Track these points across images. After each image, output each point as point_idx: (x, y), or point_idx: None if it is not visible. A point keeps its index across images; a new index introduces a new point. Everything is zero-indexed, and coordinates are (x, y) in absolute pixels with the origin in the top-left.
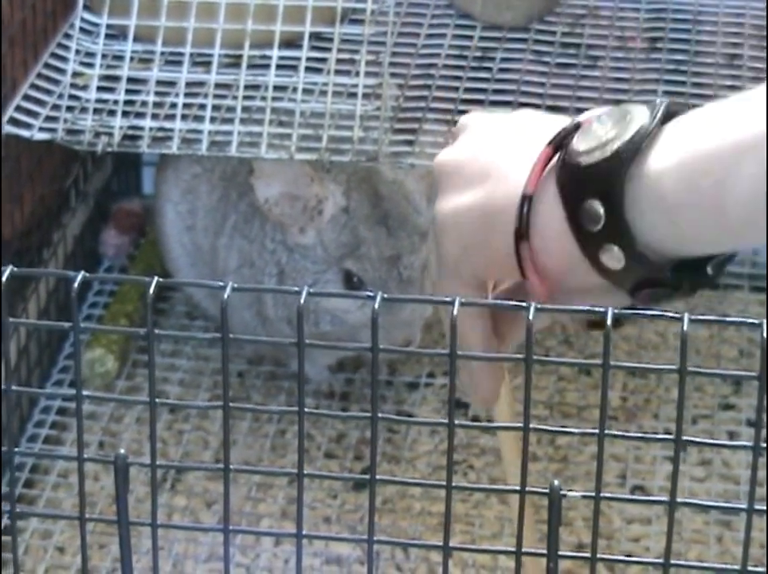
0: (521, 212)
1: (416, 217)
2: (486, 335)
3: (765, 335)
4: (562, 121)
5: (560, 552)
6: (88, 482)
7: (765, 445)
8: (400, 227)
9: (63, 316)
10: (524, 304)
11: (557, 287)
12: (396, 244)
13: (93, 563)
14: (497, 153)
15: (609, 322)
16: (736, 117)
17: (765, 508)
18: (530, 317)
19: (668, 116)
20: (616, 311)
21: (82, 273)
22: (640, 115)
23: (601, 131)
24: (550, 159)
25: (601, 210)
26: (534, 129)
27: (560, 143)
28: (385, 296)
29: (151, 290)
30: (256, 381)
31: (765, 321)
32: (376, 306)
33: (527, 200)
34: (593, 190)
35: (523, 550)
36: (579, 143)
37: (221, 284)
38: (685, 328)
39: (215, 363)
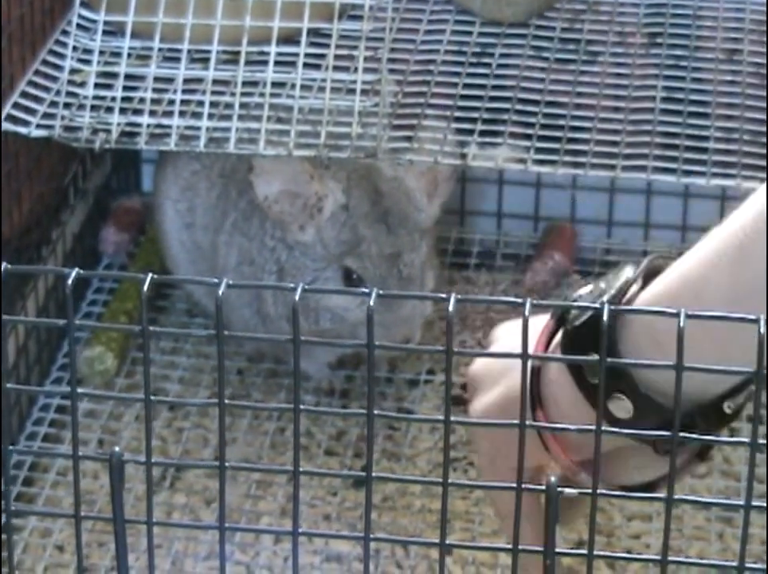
0: (531, 384)
1: (416, 214)
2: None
3: (762, 331)
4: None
5: (557, 549)
6: (87, 481)
7: (762, 441)
8: (400, 225)
9: (62, 313)
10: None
11: (584, 454)
12: (396, 241)
13: (92, 561)
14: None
15: (605, 318)
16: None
17: (764, 505)
18: (527, 313)
19: (654, 269)
20: (612, 308)
21: (76, 270)
22: (625, 271)
23: (600, 283)
24: (553, 333)
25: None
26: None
27: (562, 315)
28: (381, 292)
29: (145, 287)
30: (257, 379)
31: (763, 317)
32: (371, 303)
33: (534, 372)
34: (590, 343)
35: (520, 547)
36: (574, 312)
37: (217, 280)
38: (682, 324)
39: (215, 360)
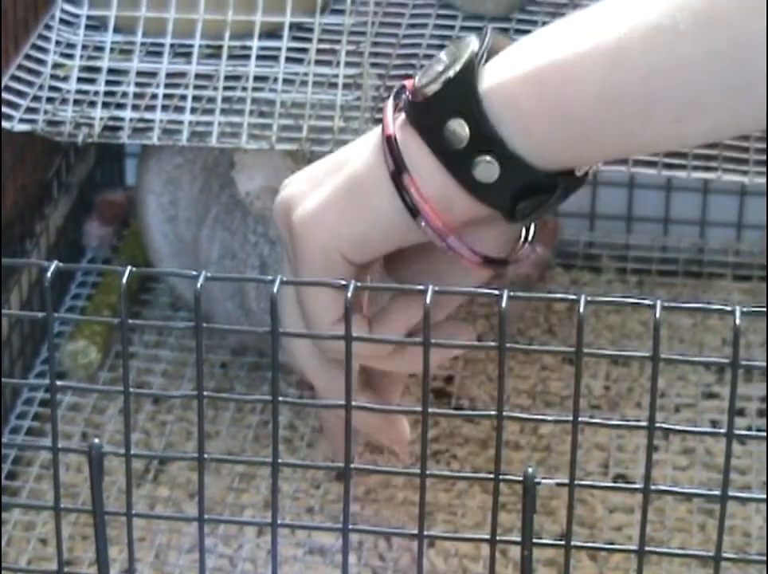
0: (392, 151)
1: None
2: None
3: (737, 322)
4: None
5: (535, 540)
6: (70, 473)
7: (740, 432)
8: None
9: (45, 307)
10: (495, 291)
11: (451, 225)
12: None
13: (76, 554)
14: (337, 154)
15: (581, 309)
16: (578, 28)
17: (740, 495)
18: (504, 304)
19: (496, 46)
20: (589, 298)
21: (55, 262)
22: (470, 44)
23: (437, 66)
24: (394, 110)
25: (465, 125)
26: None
27: (398, 92)
28: (355, 283)
29: (125, 279)
30: (240, 372)
31: (738, 308)
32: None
33: (393, 139)
34: (450, 110)
35: (498, 538)
36: (420, 80)
37: (195, 273)
38: (657, 314)
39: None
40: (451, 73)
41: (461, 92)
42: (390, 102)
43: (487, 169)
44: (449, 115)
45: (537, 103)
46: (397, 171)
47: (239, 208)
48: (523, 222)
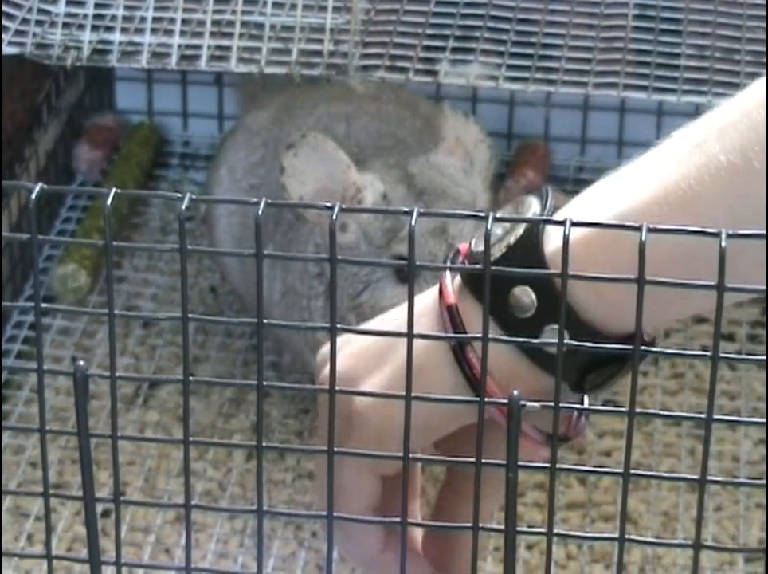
0: (453, 322)
1: (454, 189)
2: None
3: (723, 244)
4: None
5: (519, 463)
6: (60, 397)
7: (724, 355)
8: (438, 200)
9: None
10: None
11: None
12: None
13: (65, 478)
14: (391, 321)
15: (567, 232)
16: (642, 177)
17: (726, 418)
18: (489, 226)
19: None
20: (575, 221)
21: (40, 184)
22: (531, 205)
23: (497, 230)
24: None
25: (531, 293)
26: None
27: (453, 259)
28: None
29: (109, 201)
30: (229, 297)
31: (723, 231)
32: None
33: (454, 308)
34: (515, 278)
35: (483, 460)
36: (477, 246)
37: (179, 195)
38: (643, 237)
39: (190, 278)
40: (512, 239)
41: (525, 258)
42: (448, 271)
43: (554, 337)
44: (514, 282)
45: (607, 265)
46: (460, 344)
47: (293, 246)
48: (590, 393)
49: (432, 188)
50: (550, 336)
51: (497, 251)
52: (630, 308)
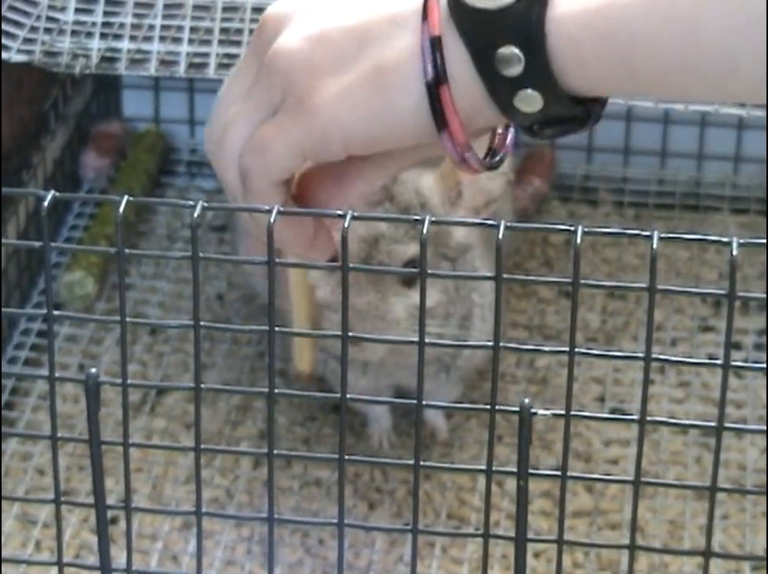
0: (434, 55)
1: (419, 210)
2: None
3: (734, 253)
4: None
5: (531, 471)
6: (68, 404)
7: (737, 363)
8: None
9: (42, 238)
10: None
11: (468, 139)
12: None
13: (72, 485)
14: (359, 16)
15: (578, 240)
16: None
17: (736, 426)
18: (500, 235)
19: None
20: (586, 229)
21: (52, 192)
22: None
23: None
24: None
25: (521, 55)
26: None
27: None
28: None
29: (121, 208)
30: (236, 304)
31: (735, 240)
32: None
33: (437, 41)
34: (509, 34)
35: (494, 469)
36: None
37: (191, 203)
38: (654, 246)
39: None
40: None
41: (526, 20)
42: None
43: (529, 99)
44: (508, 39)
45: (600, 50)
46: (436, 79)
47: None
48: (539, 138)
49: (404, 206)
50: (524, 96)
51: (502, 2)
52: (613, 90)
